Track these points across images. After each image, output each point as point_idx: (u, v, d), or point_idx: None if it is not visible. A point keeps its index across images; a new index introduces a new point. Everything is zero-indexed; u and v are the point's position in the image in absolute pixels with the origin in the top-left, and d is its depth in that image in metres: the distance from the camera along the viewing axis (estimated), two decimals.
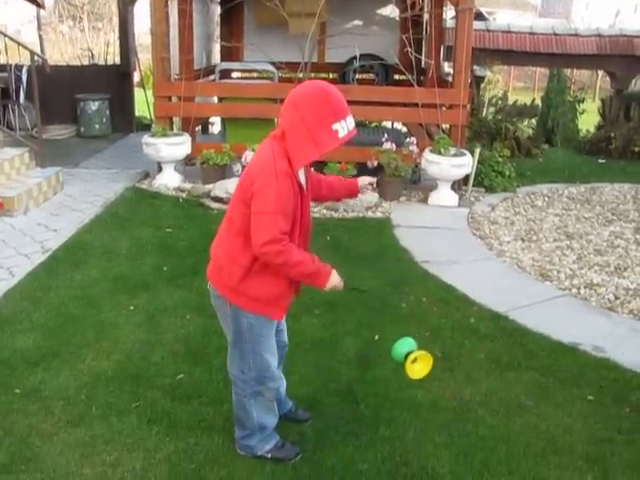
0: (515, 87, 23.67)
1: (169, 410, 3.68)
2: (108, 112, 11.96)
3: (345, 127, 2.77)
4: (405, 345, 3.20)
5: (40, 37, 14.83)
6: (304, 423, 3.60)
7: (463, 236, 6.96)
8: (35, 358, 4.21)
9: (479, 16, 12.59)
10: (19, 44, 8.63)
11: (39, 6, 11.63)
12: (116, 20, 14.64)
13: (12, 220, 6.89)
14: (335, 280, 2.93)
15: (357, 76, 11.39)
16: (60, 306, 4.95)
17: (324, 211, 7.43)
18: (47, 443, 3.40)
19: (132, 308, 4.92)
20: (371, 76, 11.64)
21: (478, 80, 12.57)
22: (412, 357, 3.13)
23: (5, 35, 8.62)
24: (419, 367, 3.16)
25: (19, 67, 10.42)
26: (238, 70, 11.81)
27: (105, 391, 3.86)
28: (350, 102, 7.58)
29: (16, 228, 6.67)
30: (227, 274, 2.98)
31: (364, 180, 3.40)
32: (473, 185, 8.30)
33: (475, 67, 11.57)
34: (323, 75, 11.93)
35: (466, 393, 3.95)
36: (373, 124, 10.99)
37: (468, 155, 7.89)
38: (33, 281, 5.41)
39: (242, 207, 2.85)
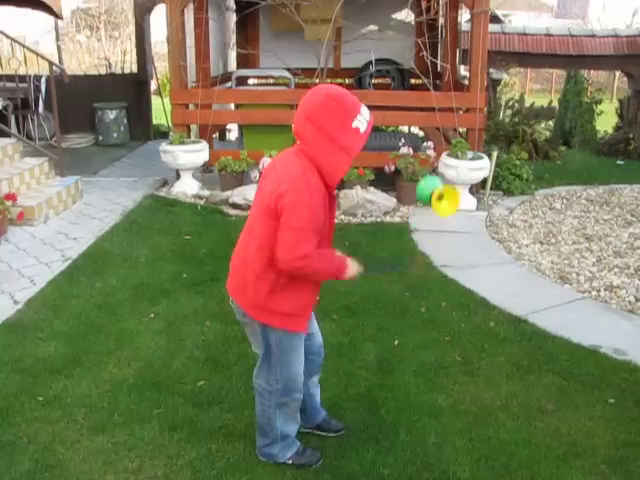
0: (532, 89, 23.60)
1: (190, 417, 3.70)
2: (126, 120, 12.06)
3: (363, 120, 2.74)
4: (430, 183, 3.08)
5: (58, 47, 14.95)
6: (338, 433, 3.57)
7: (481, 240, 6.94)
8: (57, 366, 4.25)
9: (494, 19, 12.58)
10: (38, 55, 8.72)
11: (57, 17, 11.74)
12: (133, 29, 14.75)
13: (32, 229, 6.96)
14: (352, 271, 2.95)
15: (373, 81, 11.43)
16: (81, 314, 4.99)
17: (342, 217, 7.45)
18: (70, 450, 3.43)
19: (152, 315, 4.95)
20: (387, 81, 11.67)
21: (494, 83, 12.54)
22: (437, 193, 3.00)
23: (24, 46, 8.72)
24: (446, 204, 3.06)
25: (38, 77, 10.54)
26: (254, 77, 11.86)
27: (127, 398, 3.89)
28: (366, 107, 7.57)
29: (36, 237, 6.74)
30: (253, 291, 2.95)
31: None
32: (491, 188, 8.28)
33: (491, 70, 11.56)
34: (339, 80, 11.96)
35: (486, 397, 3.94)
36: (390, 128, 11.01)
37: (486, 158, 7.87)
38: (54, 289, 5.46)
39: (268, 221, 2.80)
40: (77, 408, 3.80)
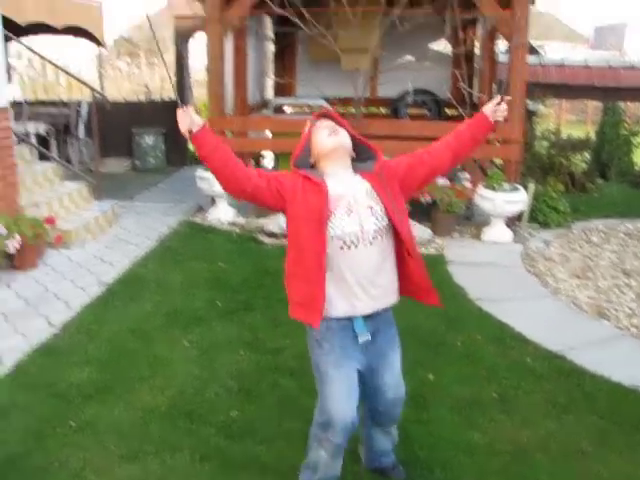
0: (567, 120, 23.41)
1: (222, 448, 3.67)
2: (163, 146, 12.19)
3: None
4: None
5: (100, 74, 15.23)
6: None
7: (517, 273, 6.85)
8: (90, 391, 4.25)
9: (531, 50, 12.53)
10: (82, 82, 8.88)
11: (100, 45, 11.95)
12: (172, 57, 14.97)
13: (69, 252, 7.03)
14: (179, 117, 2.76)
15: (409, 111, 11.44)
16: (115, 340, 5.00)
17: None
18: (101, 478, 3.42)
19: (186, 343, 4.94)
20: (423, 110, 11.67)
21: (531, 114, 12.47)
22: None
23: (68, 74, 8.88)
24: None
25: (79, 103, 10.71)
26: (291, 105, 11.94)
27: (158, 427, 3.87)
28: (403, 137, 7.59)
29: (73, 260, 6.80)
30: None
31: (488, 109, 3.08)
32: (527, 221, 8.20)
33: (528, 101, 11.49)
34: (374, 110, 11.99)
35: (523, 436, 3.85)
36: None
37: (522, 191, 7.80)
38: (89, 314, 5.49)
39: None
40: (109, 435, 3.79)
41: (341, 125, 2.95)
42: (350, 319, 2.89)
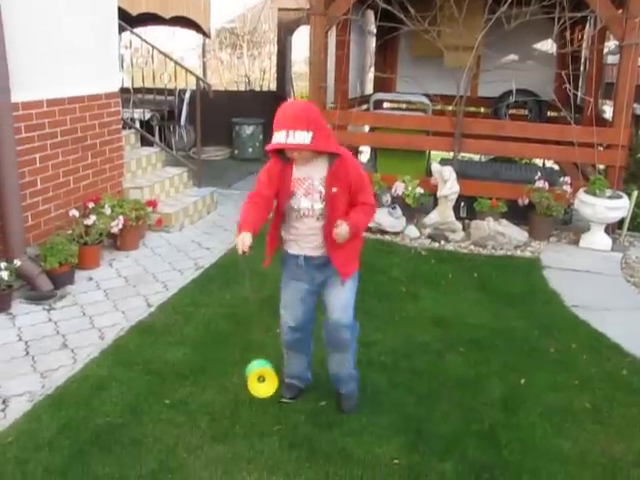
0: None
1: (310, 436, 3.71)
2: (261, 136, 12.37)
3: (275, 138, 3.37)
4: (254, 364, 3.71)
5: (204, 64, 15.60)
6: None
7: (616, 282, 6.64)
8: (184, 371, 4.38)
9: None
10: (188, 71, 9.10)
11: (205, 35, 12.24)
12: (273, 48, 15.16)
13: (168, 236, 7.24)
14: (239, 239, 3.52)
15: (510, 111, 11.24)
16: (210, 323, 5.13)
17: (472, 247, 7.33)
18: (192, 455, 3.52)
19: (278, 330, 5.00)
20: (523, 111, 11.45)
21: (637, 119, 12.02)
22: (257, 372, 3.67)
23: (176, 62, 9.12)
24: (264, 387, 3.69)
25: (183, 91, 10.99)
26: (392, 101, 11.90)
27: (249, 411, 3.95)
28: (503, 138, 7.45)
29: (172, 244, 7.01)
30: None
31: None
32: (628, 229, 7.93)
33: (635, 105, 11.09)
34: (473, 109, 11.82)
35: (617, 450, 3.73)
36: (523, 161, 10.77)
37: (625, 198, 7.55)
38: (185, 296, 5.65)
39: None
40: (201, 415, 3.89)
41: (295, 148, 3.42)
42: (297, 256, 3.78)
